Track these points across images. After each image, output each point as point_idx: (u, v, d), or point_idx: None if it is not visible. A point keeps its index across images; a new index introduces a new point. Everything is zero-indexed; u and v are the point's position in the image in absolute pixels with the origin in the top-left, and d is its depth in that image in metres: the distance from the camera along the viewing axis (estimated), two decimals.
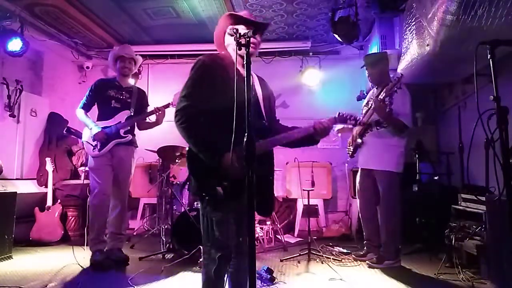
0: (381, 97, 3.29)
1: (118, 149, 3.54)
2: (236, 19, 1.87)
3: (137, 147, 3.76)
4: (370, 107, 3.45)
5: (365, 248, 3.73)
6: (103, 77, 6.51)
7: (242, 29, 1.76)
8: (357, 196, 3.80)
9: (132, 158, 3.67)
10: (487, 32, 2.61)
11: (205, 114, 1.74)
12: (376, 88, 3.65)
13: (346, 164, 5.24)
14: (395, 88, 3.13)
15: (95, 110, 3.70)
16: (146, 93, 4.01)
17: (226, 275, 1.85)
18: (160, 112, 3.62)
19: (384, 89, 3.32)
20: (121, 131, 3.54)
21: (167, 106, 3.62)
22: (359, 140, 3.61)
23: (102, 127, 3.50)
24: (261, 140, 1.74)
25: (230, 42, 1.87)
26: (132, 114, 3.61)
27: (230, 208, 1.73)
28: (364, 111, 3.62)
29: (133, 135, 3.69)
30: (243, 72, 1.79)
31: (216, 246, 1.77)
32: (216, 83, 1.77)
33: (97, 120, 3.58)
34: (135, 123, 3.71)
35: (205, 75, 1.81)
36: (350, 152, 3.77)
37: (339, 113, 2.00)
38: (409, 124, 3.40)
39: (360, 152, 3.68)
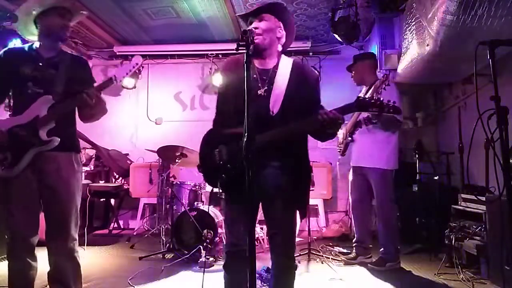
0: (369, 95, 3.31)
1: (43, 162, 2.14)
2: (244, 19, 1.95)
3: (79, 152, 2.36)
4: None
5: (354, 250, 3.66)
6: (103, 77, 6.50)
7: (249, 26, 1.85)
8: (350, 195, 3.78)
9: (72, 172, 2.23)
10: (487, 32, 2.61)
11: (223, 112, 1.91)
12: (365, 88, 3.67)
13: (338, 163, 5.23)
14: (384, 86, 3.16)
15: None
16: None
17: (243, 274, 1.83)
18: (90, 95, 2.09)
19: (373, 87, 3.35)
20: (41, 132, 2.11)
21: (105, 84, 2.20)
22: (349, 138, 3.61)
23: (13, 127, 2.11)
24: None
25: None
26: (55, 100, 2.15)
27: (238, 208, 1.76)
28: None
29: (70, 133, 2.27)
30: (259, 64, 1.89)
31: (226, 242, 1.85)
32: (229, 84, 1.90)
33: (12, 115, 2.21)
34: (72, 113, 2.26)
35: (223, 77, 2.00)
36: (340, 151, 3.77)
37: (359, 98, 1.72)
38: (400, 118, 3.39)
39: (352, 150, 3.69)
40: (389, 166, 3.46)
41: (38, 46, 2.23)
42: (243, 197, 1.62)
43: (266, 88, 1.81)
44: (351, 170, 3.77)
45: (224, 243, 1.89)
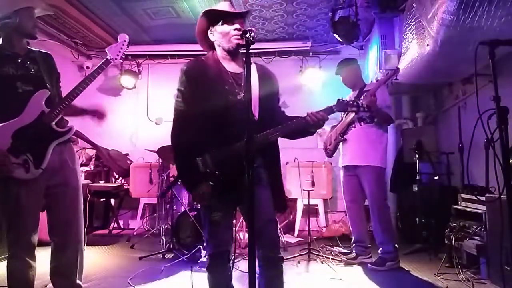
0: (373, 89, 3.40)
1: (51, 156, 2.15)
2: (212, 16, 1.88)
3: (74, 141, 2.37)
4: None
5: (354, 251, 3.67)
6: (103, 77, 6.52)
7: (221, 27, 1.83)
8: (343, 196, 3.78)
9: (75, 162, 2.32)
10: (487, 32, 2.61)
11: (196, 119, 1.79)
12: (353, 92, 3.72)
13: (323, 165, 5.19)
14: (391, 80, 3.19)
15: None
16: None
17: (226, 274, 1.86)
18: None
19: (378, 81, 3.45)
20: (53, 125, 2.16)
21: (104, 66, 2.28)
22: (340, 138, 3.61)
23: (19, 129, 2.07)
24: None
25: (217, 41, 1.89)
26: (50, 93, 2.19)
27: (220, 210, 1.78)
28: (343, 113, 3.69)
29: (68, 124, 2.29)
30: (231, 69, 1.86)
31: (208, 245, 1.87)
32: (200, 90, 1.81)
33: (4, 119, 2.08)
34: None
35: (189, 84, 1.84)
36: (329, 152, 3.76)
37: (339, 100, 1.90)
38: (392, 116, 3.58)
39: (343, 150, 3.70)
40: (383, 165, 3.52)
41: (5, 45, 2.18)
42: (226, 200, 1.72)
43: (243, 93, 1.80)
44: (342, 171, 3.77)
45: (207, 246, 1.92)
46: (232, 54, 1.86)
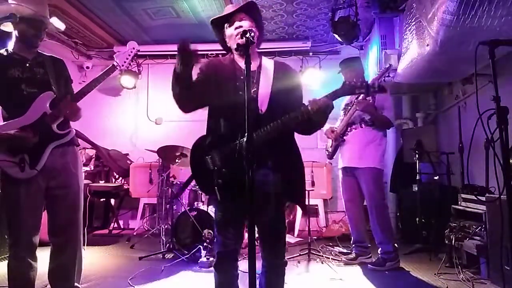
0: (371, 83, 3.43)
1: (51, 160, 2.18)
2: (219, 24, 1.92)
3: (79, 145, 2.43)
4: (350, 108, 3.52)
5: (353, 251, 3.67)
6: None
7: (227, 30, 1.88)
8: (342, 197, 3.78)
9: (78, 165, 2.32)
10: (487, 32, 2.61)
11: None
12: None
13: (325, 167, 5.17)
14: (384, 78, 3.20)
15: None
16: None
17: (232, 273, 1.87)
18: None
19: (373, 78, 3.43)
20: (54, 127, 2.18)
21: (108, 72, 2.28)
22: (340, 139, 3.60)
23: (18, 129, 2.11)
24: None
25: (229, 44, 1.92)
26: (56, 95, 2.22)
27: (230, 209, 1.78)
28: (342, 114, 3.68)
29: (70, 127, 2.32)
30: (243, 66, 1.81)
31: (216, 243, 1.87)
32: (210, 85, 1.86)
33: (8, 119, 2.17)
34: None
35: (200, 76, 1.92)
36: (330, 154, 3.76)
37: (344, 83, 1.75)
38: (392, 118, 3.57)
39: (342, 151, 3.69)
40: (382, 166, 3.54)
41: (14, 49, 2.24)
42: (236, 198, 1.66)
43: (254, 89, 1.80)
44: (340, 172, 3.77)
45: (216, 244, 1.91)
46: (241, 52, 1.83)
